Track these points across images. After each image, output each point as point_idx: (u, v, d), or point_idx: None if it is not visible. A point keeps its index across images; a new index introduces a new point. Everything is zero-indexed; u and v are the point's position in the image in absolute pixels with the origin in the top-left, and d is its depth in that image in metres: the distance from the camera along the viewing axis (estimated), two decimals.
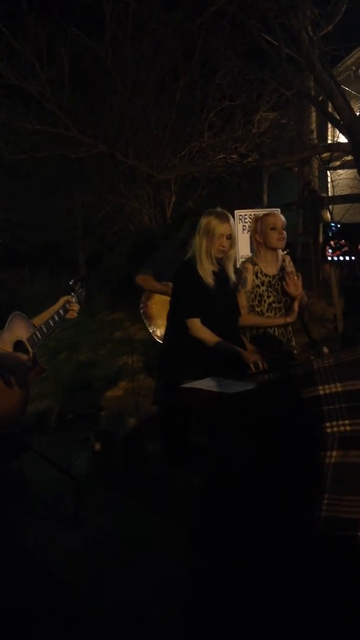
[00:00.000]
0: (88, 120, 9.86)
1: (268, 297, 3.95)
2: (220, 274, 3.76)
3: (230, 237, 3.69)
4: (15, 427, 2.95)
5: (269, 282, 3.97)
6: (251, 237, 4.11)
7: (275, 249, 3.99)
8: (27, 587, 3.11)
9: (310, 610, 1.70)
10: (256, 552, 1.82)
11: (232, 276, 3.83)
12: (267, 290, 3.95)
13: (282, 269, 4.05)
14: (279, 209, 6.44)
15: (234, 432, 2.09)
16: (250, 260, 4.03)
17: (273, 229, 3.93)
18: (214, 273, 3.71)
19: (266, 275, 3.97)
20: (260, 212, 6.32)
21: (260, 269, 3.96)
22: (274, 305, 3.97)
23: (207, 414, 2.98)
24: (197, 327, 3.65)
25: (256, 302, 3.94)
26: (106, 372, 7.68)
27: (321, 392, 1.69)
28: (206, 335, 3.63)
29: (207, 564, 1.99)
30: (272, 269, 4.01)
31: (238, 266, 4.09)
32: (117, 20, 9.08)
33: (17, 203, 12.18)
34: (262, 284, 3.95)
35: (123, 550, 3.67)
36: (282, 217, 4.03)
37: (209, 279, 3.67)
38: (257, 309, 3.94)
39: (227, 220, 3.69)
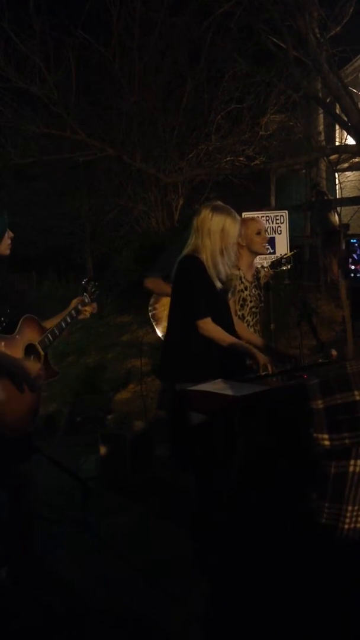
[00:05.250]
0: (95, 124, 9.90)
1: (250, 301, 3.98)
2: None
3: (241, 235, 3.67)
4: (27, 430, 2.95)
5: (249, 287, 3.99)
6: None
7: (259, 254, 4.10)
8: (34, 589, 3.11)
9: (311, 609, 1.69)
10: (265, 551, 1.82)
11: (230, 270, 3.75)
12: (249, 294, 3.97)
13: (258, 279, 4.09)
14: (287, 211, 6.46)
15: (257, 433, 2.05)
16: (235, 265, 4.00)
17: (259, 234, 3.98)
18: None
19: (247, 280, 3.99)
20: (270, 213, 6.37)
21: (243, 274, 3.96)
22: (254, 310, 4.01)
23: (221, 415, 2.93)
24: (209, 327, 3.41)
25: (239, 306, 3.93)
26: (114, 375, 7.68)
27: (358, 398, 1.61)
28: (218, 334, 3.42)
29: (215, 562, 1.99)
30: (249, 275, 4.04)
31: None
32: (124, 23, 9.11)
33: (25, 206, 12.20)
34: (246, 288, 3.96)
35: (130, 553, 3.67)
36: (263, 222, 4.15)
37: (217, 281, 3.56)
38: (239, 313, 3.91)
39: (238, 218, 3.54)
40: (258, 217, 4.22)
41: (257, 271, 4.13)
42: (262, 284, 4.14)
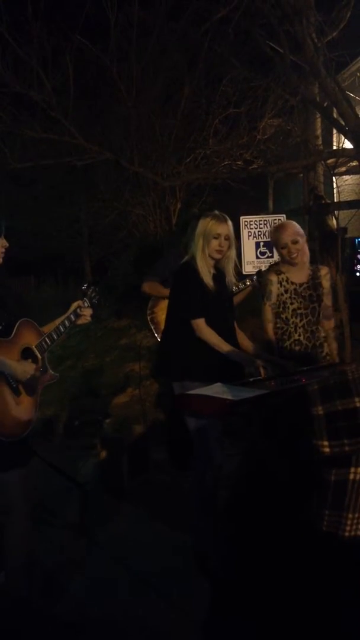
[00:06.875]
0: (93, 128, 9.90)
1: (292, 303, 3.93)
2: (218, 277, 3.71)
3: (228, 238, 3.64)
4: (25, 434, 2.95)
5: (295, 289, 3.94)
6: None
7: (293, 265, 3.96)
8: (33, 593, 3.10)
9: (311, 615, 1.69)
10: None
11: (232, 278, 3.75)
12: (290, 297, 3.93)
13: (314, 278, 3.99)
14: (284, 215, 6.46)
15: (256, 438, 2.04)
16: (275, 269, 3.99)
17: (283, 247, 3.92)
18: (212, 275, 3.67)
19: (292, 283, 3.94)
20: (268, 217, 6.37)
21: (286, 277, 3.94)
22: (298, 311, 3.93)
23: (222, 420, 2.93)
24: (203, 328, 3.57)
25: (280, 309, 3.93)
26: (112, 379, 7.68)
27: (358, 404, 1.61)
28: (211, 337, 3.56)
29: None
30: (298, 278, 3.97)
31: (244, 272, 4.07)
32: (121, 28, 9.11)
33: (23, 211, 12.20)
34: (286, 291, 3.93)
35: (129, 557, 3.67)
36: (294, 229, 3.93)
37: (208, 280, 3.62)
38: (282, 315, 3.92)
39: (224, 221, 3.64)
40: (288, 225, 3.98)
41: (315, 270, 4.04)
42: (324, 283, 4.02)
